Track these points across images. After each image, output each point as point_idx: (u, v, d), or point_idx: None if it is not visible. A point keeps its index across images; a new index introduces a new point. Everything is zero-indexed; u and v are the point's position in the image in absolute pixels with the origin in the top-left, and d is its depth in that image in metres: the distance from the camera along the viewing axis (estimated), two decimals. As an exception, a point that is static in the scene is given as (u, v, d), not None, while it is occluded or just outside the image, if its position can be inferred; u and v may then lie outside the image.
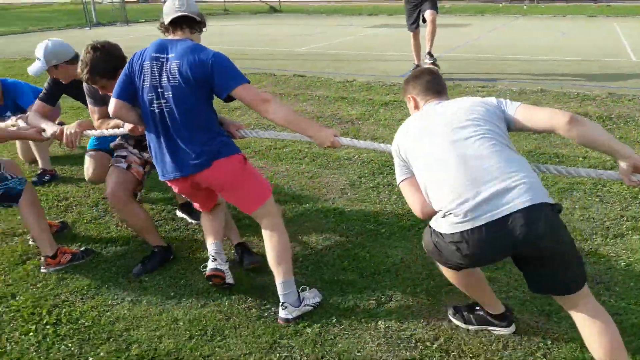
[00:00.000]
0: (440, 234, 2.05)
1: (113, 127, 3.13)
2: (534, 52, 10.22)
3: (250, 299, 2.86)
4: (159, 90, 2.57)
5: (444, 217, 2.03)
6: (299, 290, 2.77)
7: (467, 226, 1.95)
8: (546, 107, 2.25)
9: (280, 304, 2.67)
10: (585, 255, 3.13)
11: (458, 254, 2.02)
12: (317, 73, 8.52)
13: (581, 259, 2.06)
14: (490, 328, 2.50)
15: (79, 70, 2.98)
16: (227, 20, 19.93)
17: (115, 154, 3.32)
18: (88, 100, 3.29)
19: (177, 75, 2.53)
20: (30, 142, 4.62)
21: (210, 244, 2.98)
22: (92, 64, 2.90)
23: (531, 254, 1.99)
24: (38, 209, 3.23)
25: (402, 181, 2.32)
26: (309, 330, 2.60)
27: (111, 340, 2.57)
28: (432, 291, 2.85)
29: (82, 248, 3.39)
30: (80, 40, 3.33)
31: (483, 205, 1.93)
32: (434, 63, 7.68)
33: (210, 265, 2.89)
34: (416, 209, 2.26)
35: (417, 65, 8.05)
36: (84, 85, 3.26)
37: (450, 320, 2.60)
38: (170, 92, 2.55)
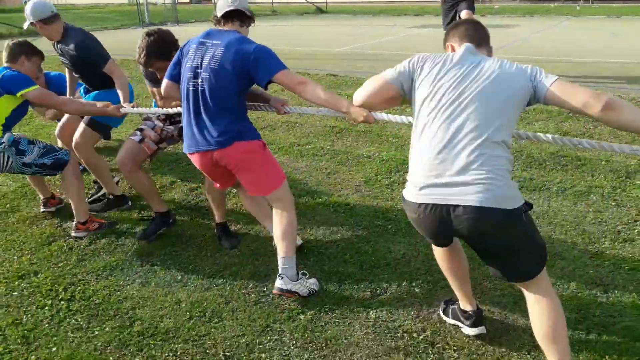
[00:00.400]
0: (404, 197, 2.16)
1: (176, 106, 3.37)
2: (577, 53, 9.95)
3: (251, 285, 2.98)
4: (198, 70, 2.79)
5: (409, 182, 2.12)
6: (301, 274, 2.89)
7: (419, 199, 2.04)
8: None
9: (278, 274, 2.81)
10: (589, 257, 3.09)
11: (413, 220, 2.14)
12: (350, 72, 8.60)
13: (538, 255, 2.07)
14: (459, 324, 2.54)
15: (137, 56, 3.30)
16: (275, 21, 20.26)
17: (139, 127, 3.63)
18: (148, 83, 3.63)
19: (218, 60, 2.75)
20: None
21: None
22: (148, 49, 3.24)
23: (474, 244, 2.08)
24: (80, 179, 3.66)
25: (386, 80, 2.26)
26: (302, 316, 2.69)
27: (117, 317, 2.75)
28: (428, 286, 2.89)
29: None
30: (132, 39, 3.61)
31: (439, 188, 1.98)
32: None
33: None
34: (360, 94, 2.37)
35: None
36: (142, 69, 3.58)
37: (440, 314, 2.65)
38: (207, 74, 2.76)
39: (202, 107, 2.80)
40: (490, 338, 2.47)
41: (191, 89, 2.80)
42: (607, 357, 2.31)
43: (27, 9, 3.84)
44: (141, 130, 3.58)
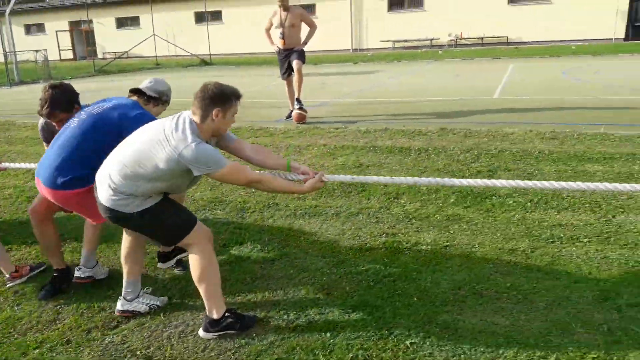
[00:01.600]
0: None
1: None
2: (414, 94, 10.95)
3: (50, 305, 3.22)
4: (81, 112, 3.18)
5: None
6: (145, 292, 3.18)
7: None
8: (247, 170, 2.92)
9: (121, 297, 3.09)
10: (330, 267, 3.47)
11: None
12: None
13: (167, 235, 2.87)
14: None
15: (39, 108, 3.39)
16: (158, 74, 20.31)
17: None
18: (45, 144, 3.69)
19: (101, 109, 3.13)
20: None
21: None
22: (52, 100, 3.33)
23: None
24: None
25: None
26: (36, 351, 2.80)
27: None
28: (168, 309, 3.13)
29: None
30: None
31: (99, 190, 2.83)
32: (301, 108, 8.21)
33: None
34: None
35: (292, 111, 8.54)
36: (40, 130, 3.72)
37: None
38: (85, 115, 3.12)
39: (61, 143, 3.07)
40: (206, 345, 2.73)
41: (65, 124, 3.16)
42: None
43: None
44: None
